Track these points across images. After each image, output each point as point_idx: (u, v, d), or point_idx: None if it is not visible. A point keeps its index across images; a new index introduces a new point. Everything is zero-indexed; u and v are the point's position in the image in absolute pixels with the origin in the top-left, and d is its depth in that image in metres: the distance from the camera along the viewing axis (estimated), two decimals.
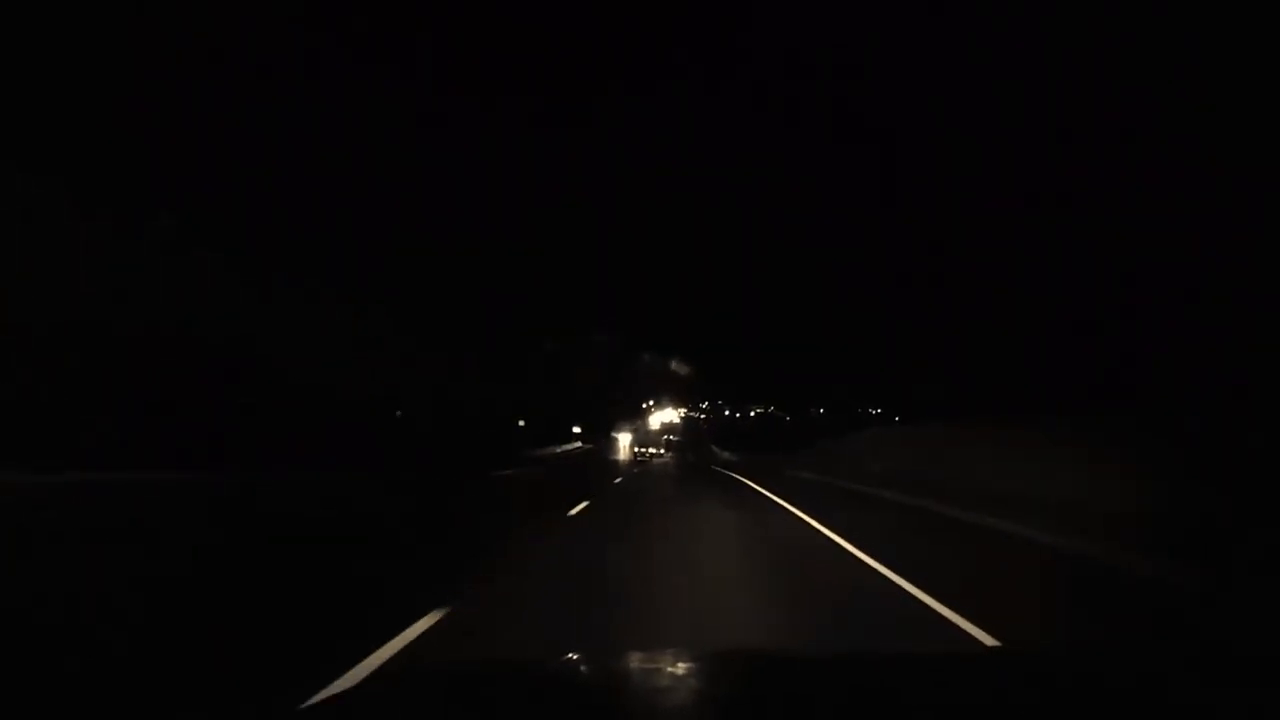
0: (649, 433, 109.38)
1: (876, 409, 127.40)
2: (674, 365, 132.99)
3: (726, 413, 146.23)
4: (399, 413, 70.56)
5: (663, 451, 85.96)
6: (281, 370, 27.62)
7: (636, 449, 73.38)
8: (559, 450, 66.53)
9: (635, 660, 2.14)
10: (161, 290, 23.75)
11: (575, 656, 1.99)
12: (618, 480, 24.72)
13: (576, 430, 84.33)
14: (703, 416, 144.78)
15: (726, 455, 74.23)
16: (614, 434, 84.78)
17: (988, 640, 5.02)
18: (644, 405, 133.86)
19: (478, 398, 73.22)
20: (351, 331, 38.47)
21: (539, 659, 2.20)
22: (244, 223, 28.69)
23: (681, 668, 1.98)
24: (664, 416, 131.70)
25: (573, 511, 12.76)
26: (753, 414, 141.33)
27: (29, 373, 18.66)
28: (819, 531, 10.81)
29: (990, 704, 1.56)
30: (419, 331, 52.42)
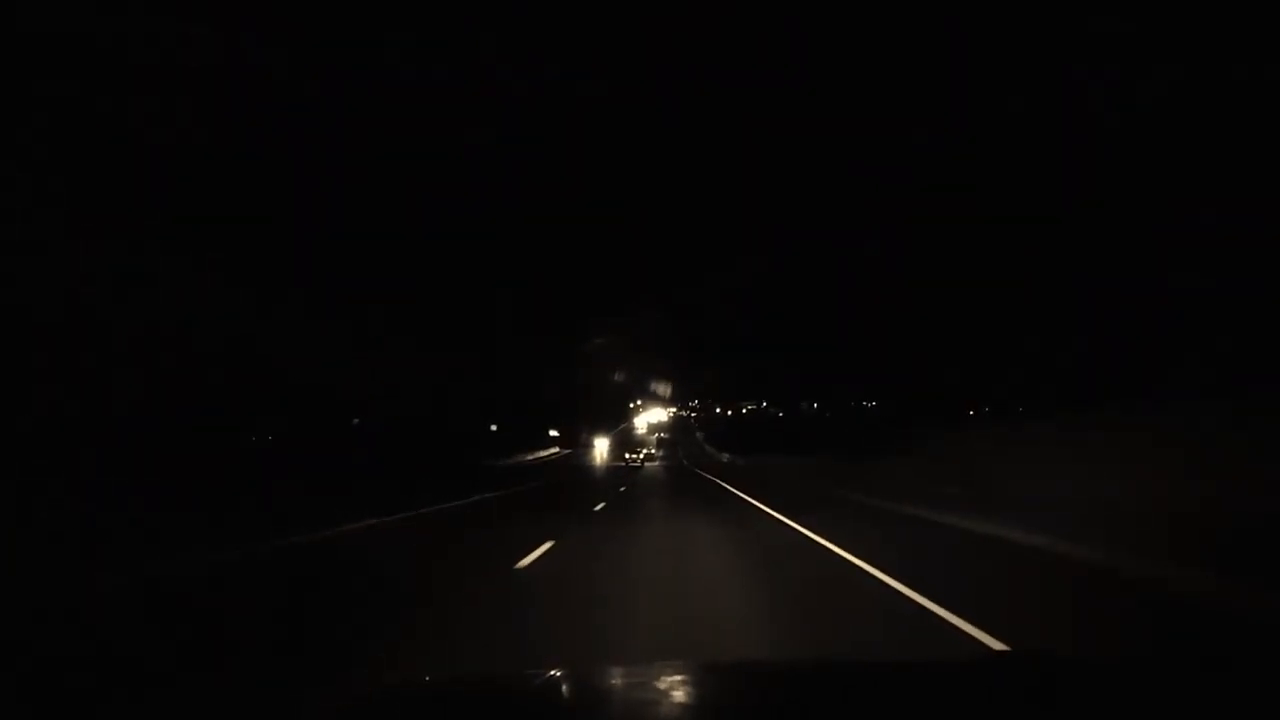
0: (633, 436, 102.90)
1: (872, 402, 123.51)
2: (663, 361, 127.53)
3: (718, 410, 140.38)
4: (356, 420, 64.61)
5: (653, 450, 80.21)
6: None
7: (627, 455, 66.02)
8: (529, 459, 59.60)
9: (623, 673, 2.04)
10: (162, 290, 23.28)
11: (560, 672, 1.82)
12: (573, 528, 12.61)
13: (554, 434, 78.07)
14: (693, 415, 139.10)
15: (726, 458, 64.04)
16: (593, 438, 77.03)
17: None
18: (631, 405, 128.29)
19: (442, 400, 66.48)
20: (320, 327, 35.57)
21: (525, 672, 1.93)
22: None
23: (671, 680, 1.84)
24: (651, 416, 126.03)
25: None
26: (744, 411, 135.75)
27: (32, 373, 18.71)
28: None
29: (990, 709, 1.52)
30: (393, 328, 47.60)
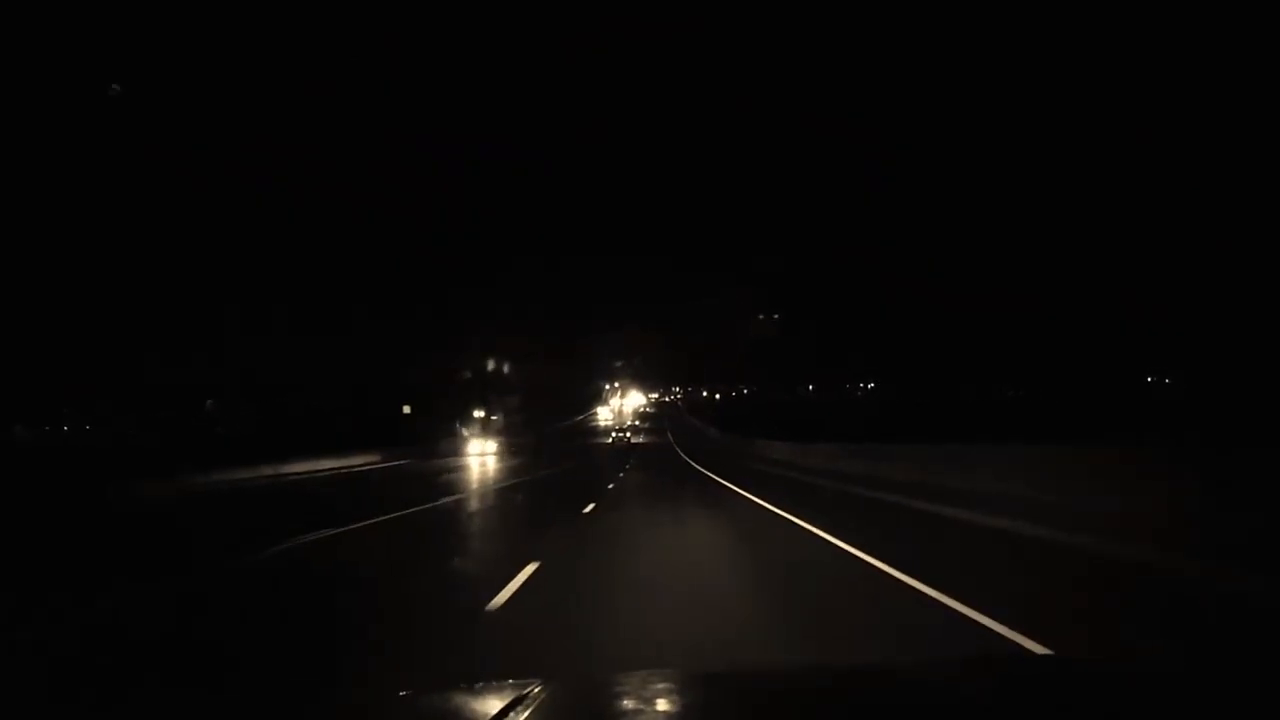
0: (596, 428, 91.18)
1: (869, 384, 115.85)
2: (648, 346, 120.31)
3: (704, 394, 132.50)
4: (210, 402, 58.29)
5: (636, 423, 72.45)
6: None
7: (615, 433, 57.39)
8: (312, 471, 27.49)
9: (610, 684, 1.90)
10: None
11: (544, 684, 1.62)
12: None
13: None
14: (678, 399, 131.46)
15: (786, 457, 25.38)
16: (475, 438, 45.99)
17: None
18: (606, 387, 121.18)
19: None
20: None
21: (507, 683, 1.72)
22: None
23: (660, 689, 1.73)
24: (630, 403, 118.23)
25: None
26: (733, 394, 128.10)
27: None
28: None
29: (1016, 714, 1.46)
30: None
